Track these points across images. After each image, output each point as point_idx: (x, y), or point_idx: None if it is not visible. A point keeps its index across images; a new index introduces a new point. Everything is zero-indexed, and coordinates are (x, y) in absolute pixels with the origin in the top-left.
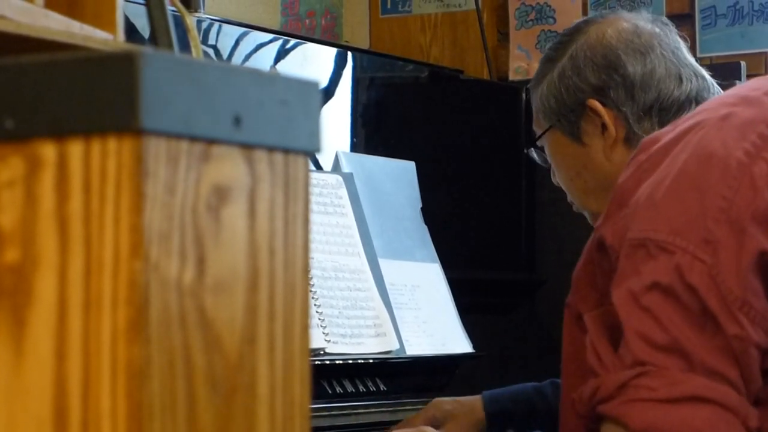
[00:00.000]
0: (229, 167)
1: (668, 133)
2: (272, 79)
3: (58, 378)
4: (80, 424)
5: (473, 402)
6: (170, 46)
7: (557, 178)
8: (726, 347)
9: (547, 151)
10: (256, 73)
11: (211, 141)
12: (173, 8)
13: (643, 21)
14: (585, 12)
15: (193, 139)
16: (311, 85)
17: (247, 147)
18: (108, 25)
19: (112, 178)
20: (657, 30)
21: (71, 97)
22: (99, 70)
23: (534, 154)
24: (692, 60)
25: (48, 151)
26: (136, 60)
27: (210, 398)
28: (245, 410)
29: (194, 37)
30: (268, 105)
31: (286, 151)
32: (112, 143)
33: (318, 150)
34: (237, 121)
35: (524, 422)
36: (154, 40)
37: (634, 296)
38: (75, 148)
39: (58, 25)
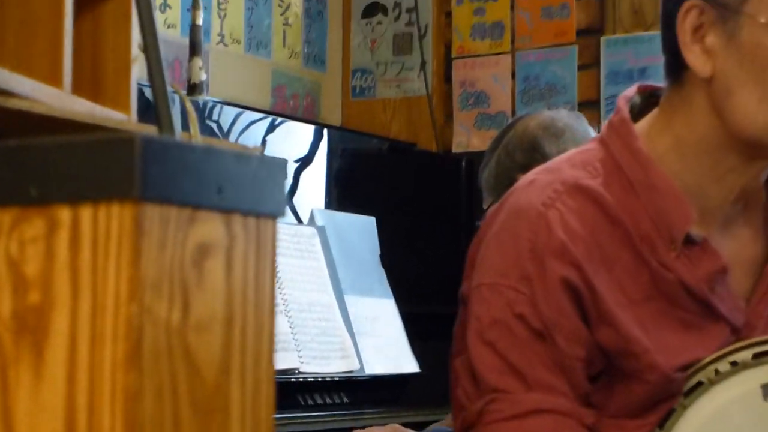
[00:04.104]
0: (211, 228)
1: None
2: (248, 157)
3: (69, 399)
4: None
5: None
6: (171, 129)
7: None
8: (553, 363)
9: None
10: (234, 153)
11: (196, 207)
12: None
13: (559, 114)
14: (513, 98)
15: (181, 205)
16: (280, 162)
17: (226, 212)
18: (124, 106)
19: (114, 237)
20: (570, 121)
21: (84, 172)
22: (106, 150)
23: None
24: None
25: (64, 214)
26: (136, 143)
27: (192, 418)
28: (221, 428)
29: (193, 118)
30: (244, 178)
31: (258, 215)
32: (115, 209)
33: (282, 214)
34: (219, 190)
35: None
36: (158, 123)
37: (479, 335)
38: (86, 212)
39: (82, 108)
